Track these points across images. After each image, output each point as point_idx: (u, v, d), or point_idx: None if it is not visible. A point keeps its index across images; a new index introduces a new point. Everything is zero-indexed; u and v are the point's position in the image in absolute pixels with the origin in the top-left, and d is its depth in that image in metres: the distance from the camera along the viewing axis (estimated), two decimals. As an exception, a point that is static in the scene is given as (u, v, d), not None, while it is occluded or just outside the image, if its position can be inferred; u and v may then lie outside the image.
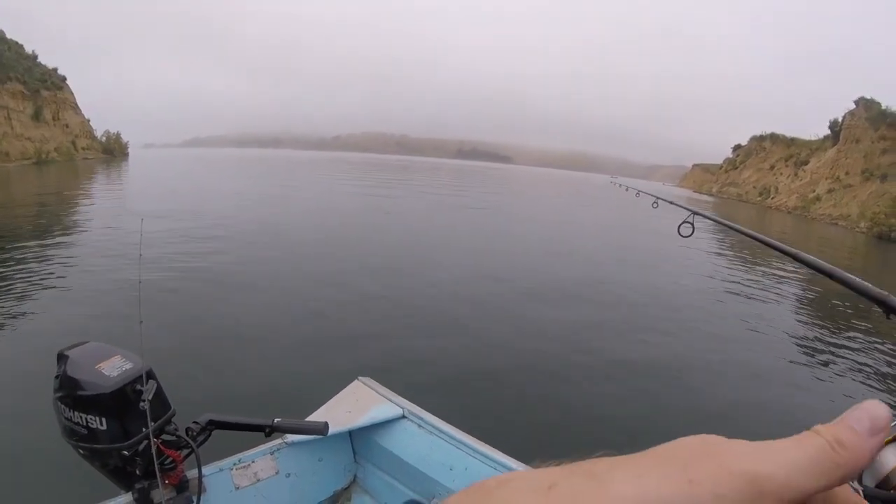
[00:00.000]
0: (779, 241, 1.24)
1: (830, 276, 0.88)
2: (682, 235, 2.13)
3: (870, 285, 0.71)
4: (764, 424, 4.96)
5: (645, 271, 10.88)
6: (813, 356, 6.66)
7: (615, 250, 13.14)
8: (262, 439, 1.94)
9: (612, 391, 5.66)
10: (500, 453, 2.16)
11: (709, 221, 2.06)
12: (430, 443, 2.29)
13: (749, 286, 9.59)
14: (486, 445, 2.21)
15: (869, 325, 7.67)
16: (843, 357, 6.63)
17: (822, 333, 7.56)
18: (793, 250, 1.07)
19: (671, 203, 2.79)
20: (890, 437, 0.56)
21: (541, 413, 5.10)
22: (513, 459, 2.13)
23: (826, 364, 6.35)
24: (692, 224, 2.10)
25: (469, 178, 67.86)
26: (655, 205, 3.12)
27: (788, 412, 5.08)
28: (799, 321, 8.05)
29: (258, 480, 2.05)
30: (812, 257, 0.99)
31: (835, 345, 7.11)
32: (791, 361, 6.41)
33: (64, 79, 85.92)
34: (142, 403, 1.50)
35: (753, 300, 8.93)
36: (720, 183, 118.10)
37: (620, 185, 4.95)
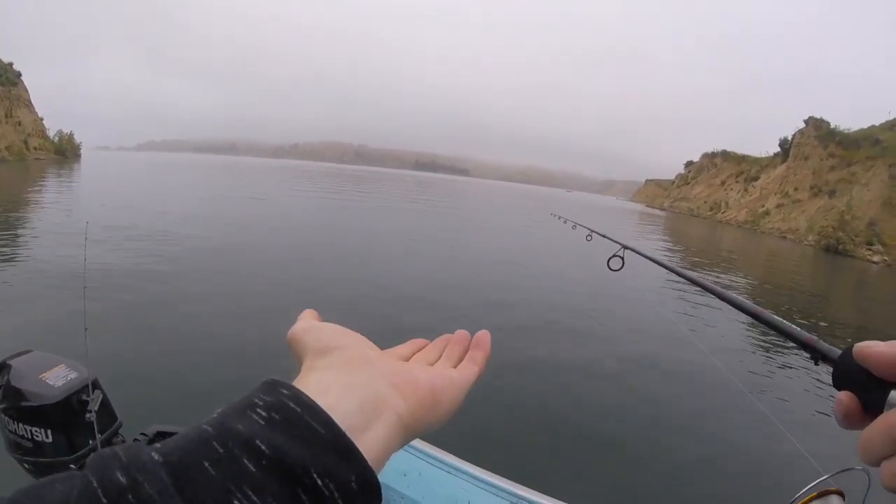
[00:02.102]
0: (705, 278, 1.18)
1: (756, 317, 0.82)
2: (611, 269, 2.05)
3: (797, 328, 0.67)
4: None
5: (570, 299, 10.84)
6: (730, 401, 6.23)
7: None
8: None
9: (560, 397, 5.78)
10: (453, 457, 2.19)
11: (642, 256, 1.97)
12: None
13: (674, 324, 8.81)
14: (440, 450, 2.22)
15: (797, 371, 7.41)
16: (771, 405, 6.30)
17: (744, 377, 7.15)
18: (718, 289, 1.02)
19: (604, 236, 2.76)
20: (814, 494, 0.60)
21: (492, 418, 5.15)
22: (466, 463, 2.16)
23: (743, 411, 5.91)
24: (622, 258, 2.05)
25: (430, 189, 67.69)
26: (589, 237, 3.08)
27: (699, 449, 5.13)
28: (723, 360, 7.56)
29: None
30: (738, 297, 0.93)
31: (762, 390, 6.81)
32: (701, 403, 6.13)
33: (19, 74, 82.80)
34: (88, 414, 1.46)
35: (677, 338, 8.37)
36: (672, 198, 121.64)
37: (559, 218, 4.72)
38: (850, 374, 0.41)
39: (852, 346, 0.41)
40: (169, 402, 4.68)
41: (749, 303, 0.90)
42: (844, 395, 0.40)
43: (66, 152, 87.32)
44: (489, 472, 2.13)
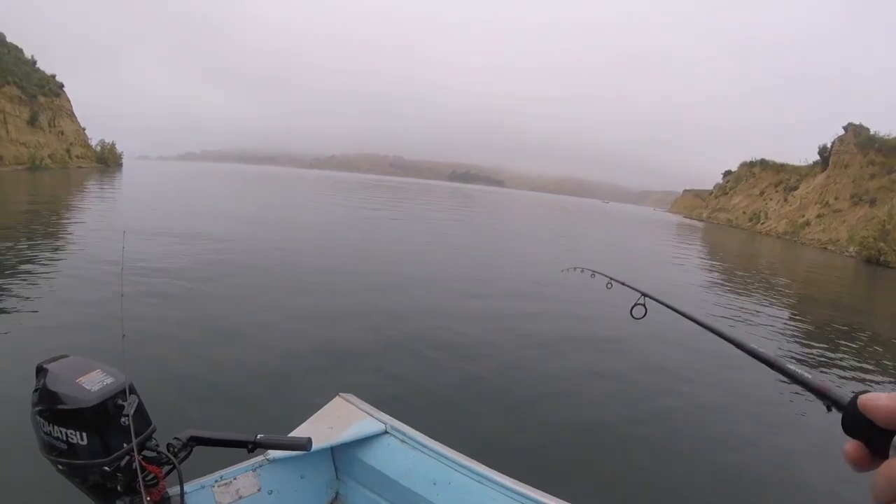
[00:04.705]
0: (726, 329, 1.20)
1: (770, 364, 0.86)
2: (634, 317, 2.12)
3: (809, 376, 0.69)
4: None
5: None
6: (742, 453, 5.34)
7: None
8: (244, 456, 1.91)
9: (592, 412, 5.65)
10: (483, 467, 2.14)
11: (661, 304, 2.00)
12: (412, 458, 2.27)
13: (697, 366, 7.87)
14: (470, 459, 2.20)
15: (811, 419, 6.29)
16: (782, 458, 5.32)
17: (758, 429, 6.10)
18: (737, 339, 1.05)
19: (623, 284, 2.76)
20: None
21: (525, 428, 5.06)
22: (497, 473, 2.11)
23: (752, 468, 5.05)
24: (644, 306, 2.10)
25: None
26: (609, 286, 3.05)
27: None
28: (737, 407, 6.71)
29: (240, 497, 2.02)
30: (753, 346, 0.96)
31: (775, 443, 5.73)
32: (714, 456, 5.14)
33: (61, 86, 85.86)
34: (124, 418, 1.47)
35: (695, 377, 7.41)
36: (710, 208, 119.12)
37: (576, 269, 4.38)
38: (856, 422, 0.45)
39: (858, 395, 0.46)
40: (202, 408, 4.74)
41: (764, 351, 0.93)
42: (850, 447, 0.45)
43: (107, 161, 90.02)
44: (520, 483, 2.07)
